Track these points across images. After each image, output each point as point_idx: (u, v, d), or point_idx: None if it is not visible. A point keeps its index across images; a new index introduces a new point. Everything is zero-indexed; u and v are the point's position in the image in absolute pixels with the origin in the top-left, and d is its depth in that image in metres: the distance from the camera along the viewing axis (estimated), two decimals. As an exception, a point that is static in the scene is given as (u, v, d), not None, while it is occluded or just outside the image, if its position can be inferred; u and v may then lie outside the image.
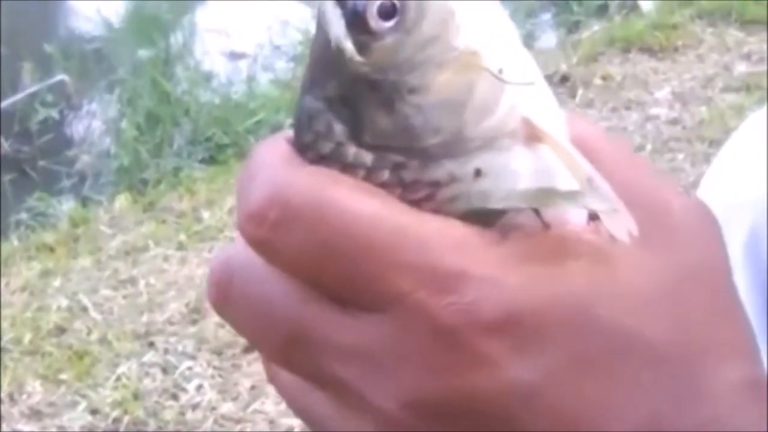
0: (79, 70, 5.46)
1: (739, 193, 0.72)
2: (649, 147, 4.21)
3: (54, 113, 5.24)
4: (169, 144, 4.84)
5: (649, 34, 5.10)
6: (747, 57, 4.91)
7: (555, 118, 0.43)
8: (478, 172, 0.42)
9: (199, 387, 3.25)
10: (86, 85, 5.49)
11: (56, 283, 3.74)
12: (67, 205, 4.54)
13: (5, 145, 5.02)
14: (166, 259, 3.85)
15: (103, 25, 5.90)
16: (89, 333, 3.48)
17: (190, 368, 3.32)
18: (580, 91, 4.71)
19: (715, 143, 3.97)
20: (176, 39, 5.72)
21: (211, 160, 4.76)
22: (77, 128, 5.37)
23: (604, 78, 4.82)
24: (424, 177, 0.42)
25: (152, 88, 5.15)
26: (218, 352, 3.37)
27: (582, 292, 0.41)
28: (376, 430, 0.42)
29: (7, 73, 5.27)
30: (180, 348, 3.40)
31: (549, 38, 5.83)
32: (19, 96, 5.25)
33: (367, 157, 0.42)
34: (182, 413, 3.18)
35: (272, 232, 0.41)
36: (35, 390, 3.26)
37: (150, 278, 3.73)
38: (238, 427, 3.13)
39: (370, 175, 0.42)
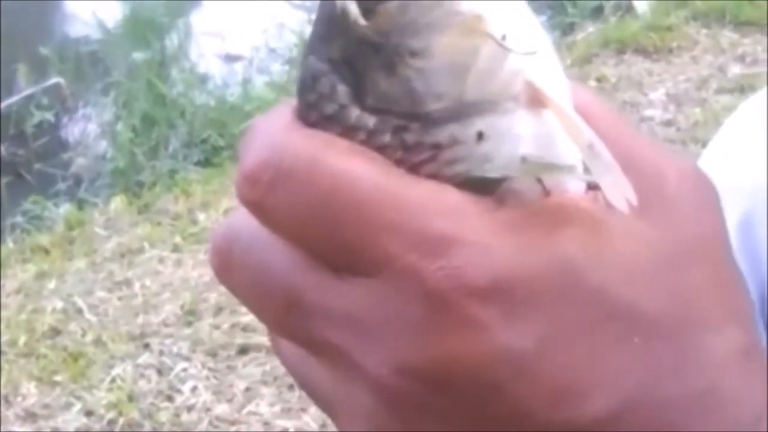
0: (74, 73, 5.46)
1: (731, 179, 0.72)
2: (643, 148, 4.20)
3: (49, 116, 5.23)
4: (165, 146, 4.84)
5: (643, 35, 5.11)
6: (741, 59, 4.91)
7: (559, 84, 0.43)
8: (480, 135, 0.41)
9: (194, 388, 3.25)
10: (82, 87, 5.49)
11: (51, 285, 3.74)
12: (62, 208, 4.53)
13: (1, 148, 5.02)
14: (161, 261, 3.85)
15: (98, 27, 5.90)
16: (84, 335, 3.48)
17: (185, 370, 3.32)
18: (574, 93, 4.71)
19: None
20: (172, 41, 5.71)
21: (206, 163, 4.76)
22: (73, 131, 5.36)
23: (598, 79, 4.82)
24: (426, 139, 0.41)
25: (148, 90, 5.15)
26: (213, 354, 3.37)
27: (575, 260, 0.41)
28: (371, 396, 0.41)
29: (2, 76, 5.26)
30: (175, 349, 3.40)
31: (544, 40, 5.82)
32: (14, 99, 5.24)
33: (370, 120, 0.42)
34: (177, 415, 3.18)
35: (265, 193, 0.41)
36: (30, 392, 3.26)
37: (145, 280, 3.73)
38: (233, 429, 3.13)
39: (371, 138, 0.42)
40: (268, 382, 3.27)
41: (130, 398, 3.21)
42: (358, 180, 0.41)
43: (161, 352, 3.39)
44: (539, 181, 0.42)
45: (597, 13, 5.69)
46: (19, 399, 3.24)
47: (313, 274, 0.42)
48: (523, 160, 0.42)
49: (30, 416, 3.20)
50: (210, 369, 3.32)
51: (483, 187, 0.42)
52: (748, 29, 5.12)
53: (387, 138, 0.42)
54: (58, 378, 3.30)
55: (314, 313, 0.42)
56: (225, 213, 4.05)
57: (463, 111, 0.41)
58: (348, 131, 0.42)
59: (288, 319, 0.43)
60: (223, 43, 5.76)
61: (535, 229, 0.41)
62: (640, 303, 0.41)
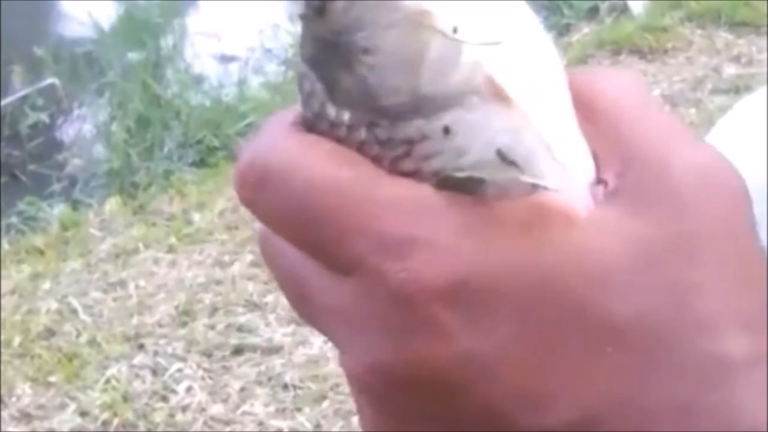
0: (69, 74, 5.45)
1: None
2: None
3: (44, 117, 5.23)
4: (160, 147, 4.84)
5: (638, 36, 5.11)
6: (736, 59, 4.92)
7: (538, 75, 0.42)
8: (447, 130, 0.41)
9: (189, 389, 3.25)
10: (76, 88, 5.48)
11: (46, 285, 3.73)
12: (57, 209, 4.53)
13: (-5, 148, 5.02)
14: (156, 261, 3.84)
15: (93, 28, 5.89)
16: (79, 335, 3.48)
17: (179, 370, 3.32)
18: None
19: (705, 145, 3.96)
20: (167, 42, 5.71)
21: (201, 163, 4.76)
22: (67, 132, 5.36)
23: (594, 80, 4.82)
24: (397, 135, 0.42)
25: (143, 91, 5.15)
26: (208, 354, 3.37)
27: (542, 263, 0.40)
28: (356, 393, 0.42)
29: (-3, 77, 5.27)
30: (169, 350, 3.40)
31: (539, 41, 5.82)
32: (9, 99, 5.24)
33: (345, 116, 0.42)
34: (172, 415, 3.18)
35: (252, 193, 0.43)
36: (25, 392, 3.26)
37: (140, 281, 3.73)
38: (228, 429, 3.13)
39: (350, 133, 0.42)
40: (262, 382, 3.27)
41: (125, 399, 3.21)
42: (331, 183, 0.41)
43: (156, 353, 3.39)
44: (523, 178, 0.41)
45: (592, 14, 5.69)
46: (14, 399, 3.24)
47: (312, 264, 0.43)
48: (499, 153, 0.41)
49: (25, 417, 3.20)
50: (205, 369, 3.32)
51: (465, 187, 0.41)
52: (743, 30, 5.12)
53: (363, 134, 0.42)
54: (52, 378, 3.30)
55: (312, 300, 0.43)
56: (220, 214, 4.05)
57: (424, 105, 0.41)
58: (332, 127, 0.43)
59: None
60: (219, 43, 5.75)
61: (504, 229, 0.40)
62: (615, 310, 0.40)
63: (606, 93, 0.44)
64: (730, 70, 4.81)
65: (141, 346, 3.42)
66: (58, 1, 6.78)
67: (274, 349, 3.38)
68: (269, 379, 3.27)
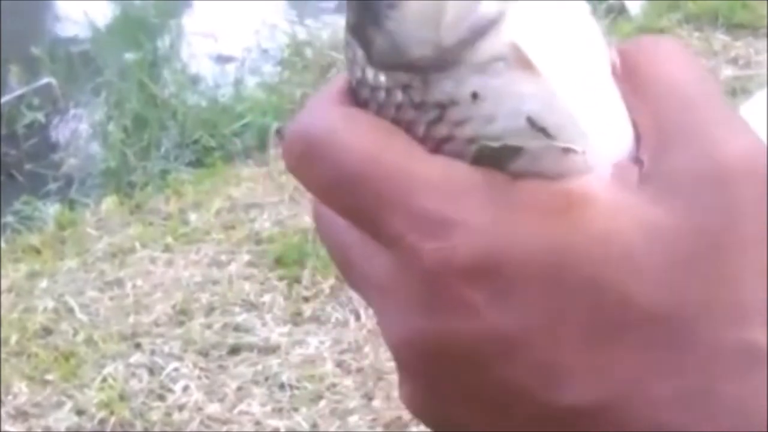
0: (66, 73, 5.45)
1: None
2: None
3: (40, 116, 5.22)
4: (156, 147, 4.83)
5: (636, 37, 5.11)
6: (734, 61, 4.92)
7: (570, 44, 0.42)
8: (474, 95, 0.42)
9: (186, 388, 3.25)
10: (73, 88, 5.48)
11: (43, 284, 3.73)
12: (53, 208, 4.52)
13: (-8, 148, 5.02)
14: (152, 260, 3.84)
15: (89, 27, 5.89)
16: (75, 334, 3.47)
17: (176, 369, 3.32)
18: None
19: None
20: (163, 42, 5.71)
21: (197, 163, 4.76)
22: (64, 131, 5.35)
23: (591, 81, 4.82)
24: (428, 98, 0.43)
25: (139, 91, 5.14)
26: (204, 354, 3.37)
27: (569, 246, 0.40)
28: (394, 361, 0.44)
29: (-7, 76, 5.26)
30: (166, 349, 3.40)
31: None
32: (5, 99, 5.23)
33: (382, 77, 0.44)
34: (168, 414, 3.17)
35: (297, 164, 0.44)
36: (21, 391, 3.26)
37: (136, 280, 3.72)
38: (225, 428, 3.13)
39: (388, 97, 0.43)
40: (259, 381, 3.27)
41: (122, 397, 3.21)
42: (367, 157, 0.42)
43: (152, 352, 3.39)
44: (555, 143, 0.41)
45: (589, 15, 5.69)
46: (11, 398, 3.24)
47: (356, 233, 0.44)
48: (529, 120, 0.41)
49: (21, 415, 3.20)
50: (201, 369, 3.32)
51: (502, 156, 0.42)
52: (740, 32, 5.13)
53: (399, 96, 0.43)
54: (49, 377, 3.30)
55: (355, 268, 0.45)
56: (216, 213, 4.05)
57: (450, 64, 0.42)
58: (372, 93, 0.44)
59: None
60: (215, 43, 5.75)
61: (535, 211, 0.41)
62: (639, 297, 0.40)
63: (658, 66, 0.44)
64: (727, 72, 4.82)
65: (138, 345, 3.42)
66: (54, 0, 6.78)
67: (270, 349, 3.38)
68: (266, 378, 3.27)
